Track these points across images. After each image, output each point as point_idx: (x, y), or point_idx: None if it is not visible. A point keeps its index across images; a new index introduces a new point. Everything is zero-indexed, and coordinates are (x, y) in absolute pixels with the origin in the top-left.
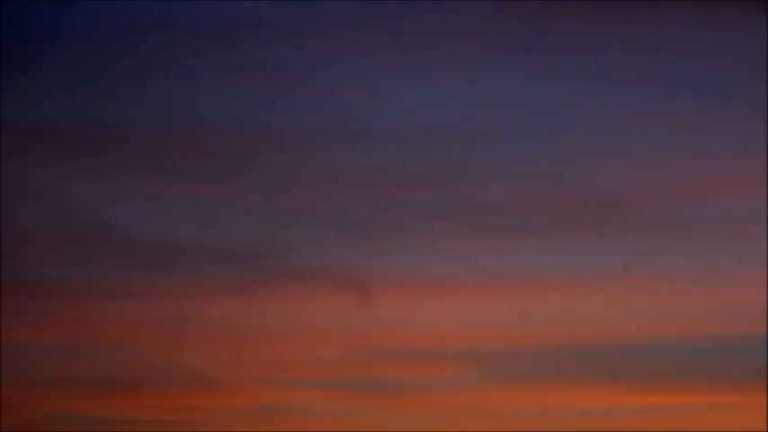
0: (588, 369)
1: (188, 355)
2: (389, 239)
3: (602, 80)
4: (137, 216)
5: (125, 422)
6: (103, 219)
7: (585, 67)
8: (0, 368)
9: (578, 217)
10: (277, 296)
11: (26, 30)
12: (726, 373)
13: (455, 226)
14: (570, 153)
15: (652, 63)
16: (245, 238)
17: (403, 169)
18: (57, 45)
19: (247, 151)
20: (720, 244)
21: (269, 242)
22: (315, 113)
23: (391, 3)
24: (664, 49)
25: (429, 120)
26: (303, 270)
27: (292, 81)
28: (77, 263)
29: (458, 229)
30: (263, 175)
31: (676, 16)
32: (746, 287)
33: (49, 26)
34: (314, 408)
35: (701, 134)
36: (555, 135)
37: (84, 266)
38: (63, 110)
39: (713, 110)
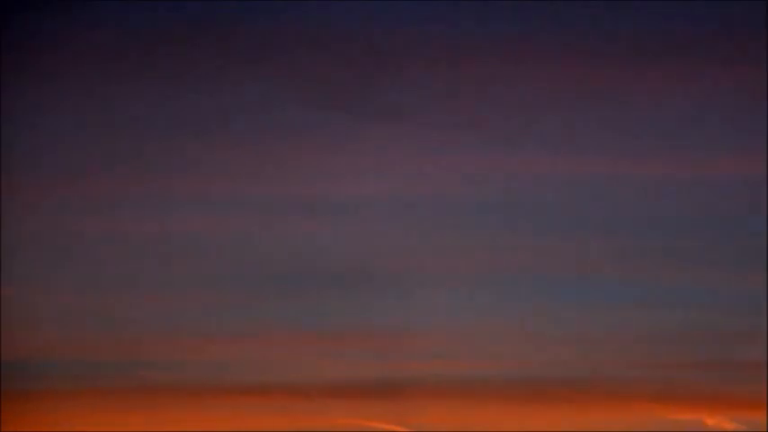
0: None
1: (225, 356)
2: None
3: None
4: (175, 215)
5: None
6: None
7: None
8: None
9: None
10: (316, 296)
11: (66, 27)
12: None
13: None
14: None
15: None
16: (286, 238)
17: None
18: (97, 43)
19: (286, 150)
20: (720, 244)
21: (309, 242)
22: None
23: (434, 3)
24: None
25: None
26: (342, 269)
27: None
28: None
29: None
30: (299, 175)
31: (676, 16)
32: (746, 286)
33: (91, 22)
34: (356, 407)
35: (700, 134)
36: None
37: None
38: (97, 109)
39: (712, 110)
